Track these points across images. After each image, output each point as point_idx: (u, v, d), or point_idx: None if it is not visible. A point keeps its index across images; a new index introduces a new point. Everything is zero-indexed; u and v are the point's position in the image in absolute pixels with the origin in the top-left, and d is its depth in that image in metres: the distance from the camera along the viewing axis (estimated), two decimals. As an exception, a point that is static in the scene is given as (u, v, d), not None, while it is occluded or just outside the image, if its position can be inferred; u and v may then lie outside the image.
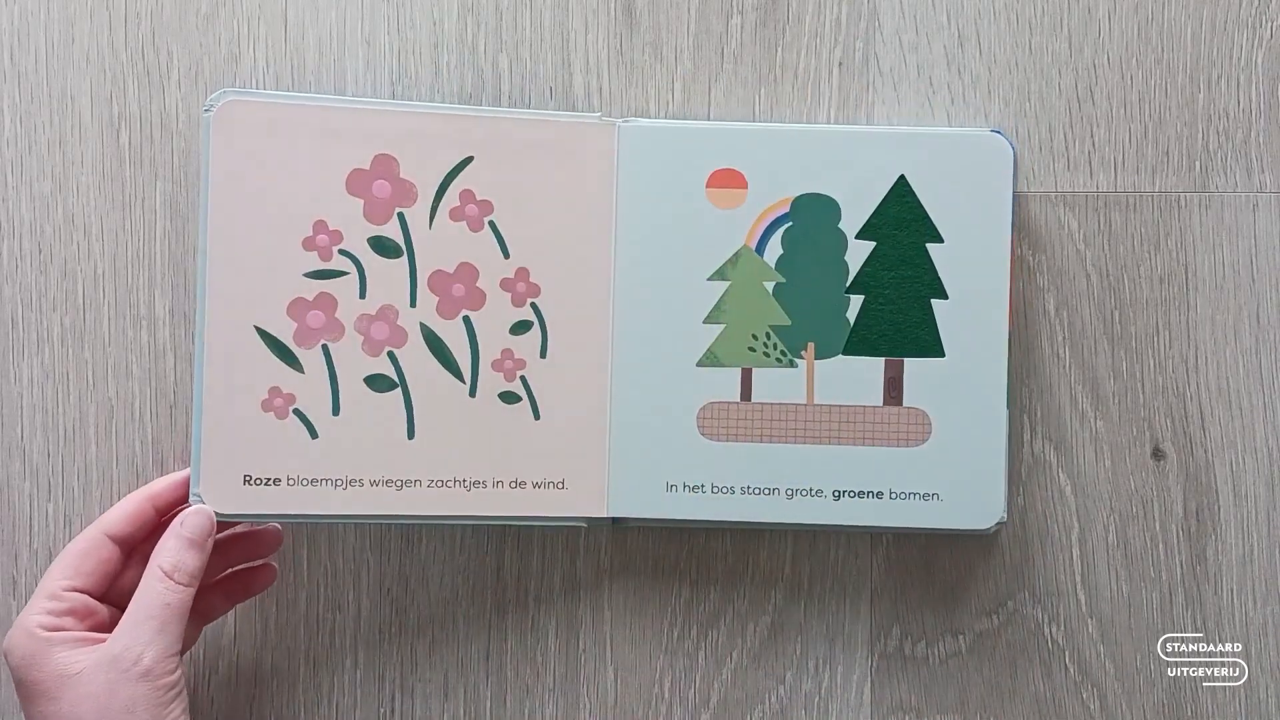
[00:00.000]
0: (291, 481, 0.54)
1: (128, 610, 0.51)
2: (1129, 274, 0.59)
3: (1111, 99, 0.59)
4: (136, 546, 0.54)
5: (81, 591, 0.51)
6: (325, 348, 0.55)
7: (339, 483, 0.55)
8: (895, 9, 0.59)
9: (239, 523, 0.56)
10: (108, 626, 0.52)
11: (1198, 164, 0.59)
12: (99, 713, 0.49)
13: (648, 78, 0.59)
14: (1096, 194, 0.59)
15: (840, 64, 0.59)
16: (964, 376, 0.56)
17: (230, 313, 0.54)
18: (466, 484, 0.56)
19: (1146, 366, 0.59)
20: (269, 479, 0.54)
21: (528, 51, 0.59)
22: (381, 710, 0.59)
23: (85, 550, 0.52)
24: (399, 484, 0.55)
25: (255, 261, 0.54)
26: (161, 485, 0.54)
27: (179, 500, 0.54)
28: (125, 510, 0.53)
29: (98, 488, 0.55)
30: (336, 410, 0.55)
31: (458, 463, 0.55)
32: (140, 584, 0.51)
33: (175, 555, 0.51)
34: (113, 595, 0.53)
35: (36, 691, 0.50)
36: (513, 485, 0.56)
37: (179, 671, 0.51)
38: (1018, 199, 0.59)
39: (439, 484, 0.55)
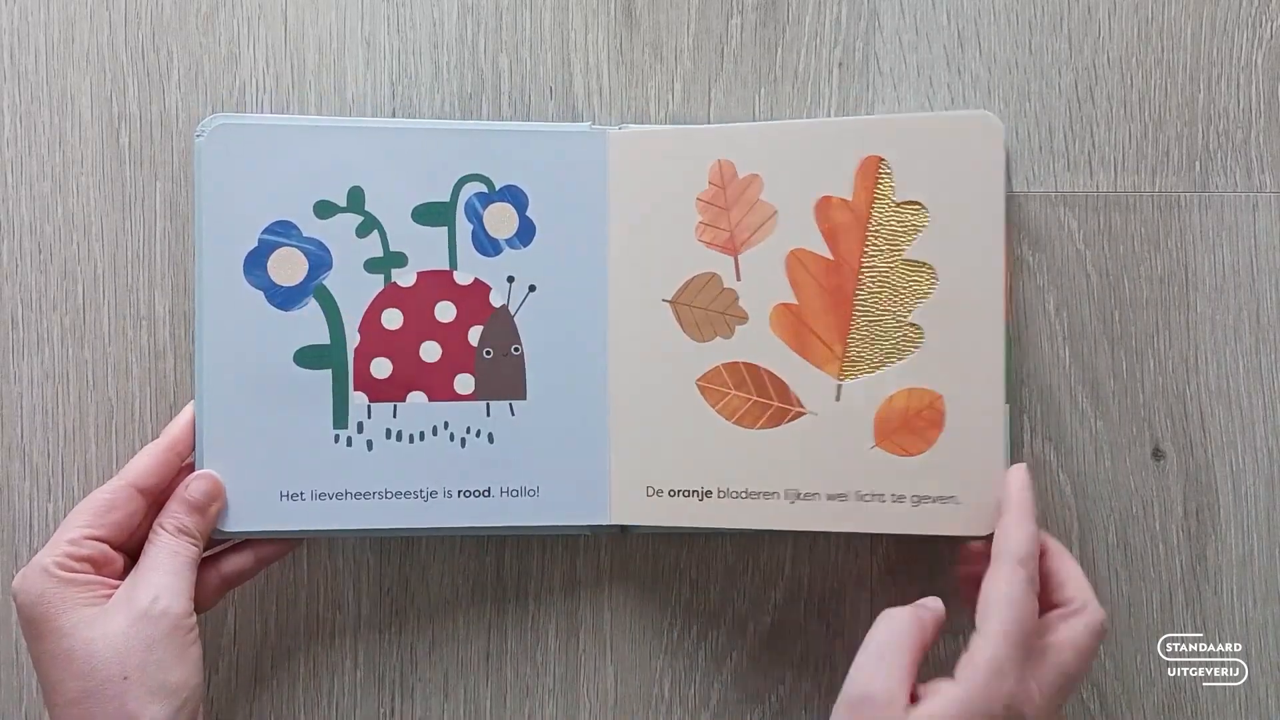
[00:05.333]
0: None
1: (139, 562, 0.52)
2: (1129, 274, 0.59)
3: (1111, 99, 0.59)
4: (159, 496, 0.54)
5: (102, 541, 0.52)
6: None
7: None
8: (895, 9, 0.59)
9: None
10: (122, 576, 0.52)
11: (1198, 164, 0.59)
12: (115, 651, 0.49)
13: (648, 78, 0.59)
14: (1096, 194, 0.59)
15: (840, 64, 0.59)
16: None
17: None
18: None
19: (1146, 366, 0.59)
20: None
21: (528, 51, 0.59)
22: (381, 710, 0.59)
23: (112, 502, 0.52)
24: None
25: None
26: (178, 432, 0.54)
27: (194, 445, 0.55)
28: (151, 462, 0.53)
29: (97, 488, 0.55)
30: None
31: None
32: (149, 539, 0.52)
33: (179, 519, 0.52)
34: (130, 545, 0.53)
35: (48, 629, 0.50)
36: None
37: (194, 618, 0.51)
38: (1018, 199, 0.59)
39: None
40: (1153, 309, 0.59)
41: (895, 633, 0.48)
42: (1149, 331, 0.59)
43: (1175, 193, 0.59)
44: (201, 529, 0.53)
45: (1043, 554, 0.51)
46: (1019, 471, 0.52)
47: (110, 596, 0.51)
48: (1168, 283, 0.59)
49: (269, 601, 0.59)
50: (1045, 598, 0.50)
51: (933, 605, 0.50)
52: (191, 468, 0.55)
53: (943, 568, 0.59)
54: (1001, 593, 0.47)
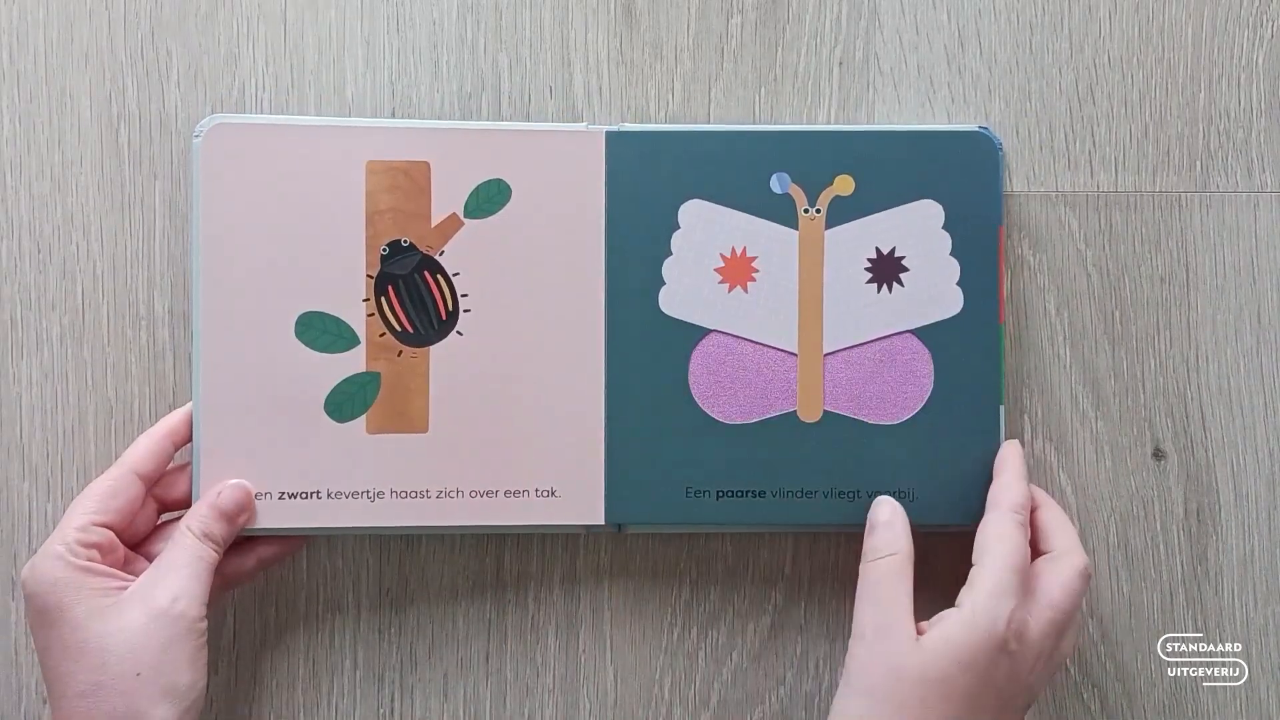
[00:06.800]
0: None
1: (158, 561, 0.52)
2: (1129, 274, 0.59)
3: (1112, 98, 0.59)
4: (154, 483, 0.54)
5: (107, 527, 0.52)
6: None
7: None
8: (895, 8, 0.59)
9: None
10: (123, 565, 0.52)
11: (1198, 163, 0.59)
12: (130, 647, 0.49)
13: (648, 78, 0.59)
14: (1097, 194, 0.59)
15: (840, 63, 0.59)
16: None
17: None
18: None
19: (1147, 366, 0.59)
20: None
21: (528, 51, 0.59)
22: (381, 710, 0.59)
23: (114, 488, 0.52)
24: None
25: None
26: (177, 421, 0.55)
27: (190, 436, 0.55)
28: (150, 448, 0.54)
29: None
30: None
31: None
32: (172, 539, 0.52)
33: (206, 523, 0.53)
34: (129, 533, 0.53)
35: (62, 618, 0.50)
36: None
37: (206, 624, 0.51)
38: (1018, 198, 0.59)
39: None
40: (1153, 309, 0.59)
41: (886, 571, 0.51)
42: (1149, 331, 0.59)
43: (1176, 192, 0.59)
44: (225, 537, 0.53)
45: (1035, 509, 0.54)
46: (1013, 444, 0.56)
47: (122, 589, 0.51)
48: (1168, 283, 0.59)
49: (269, 601, 0.59)
50: (1035, 547, 0.54)
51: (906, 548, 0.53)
52: (185, 463, 0.55)
53: (941, 565, 0.59)
54: (996, 533, 0.52)
